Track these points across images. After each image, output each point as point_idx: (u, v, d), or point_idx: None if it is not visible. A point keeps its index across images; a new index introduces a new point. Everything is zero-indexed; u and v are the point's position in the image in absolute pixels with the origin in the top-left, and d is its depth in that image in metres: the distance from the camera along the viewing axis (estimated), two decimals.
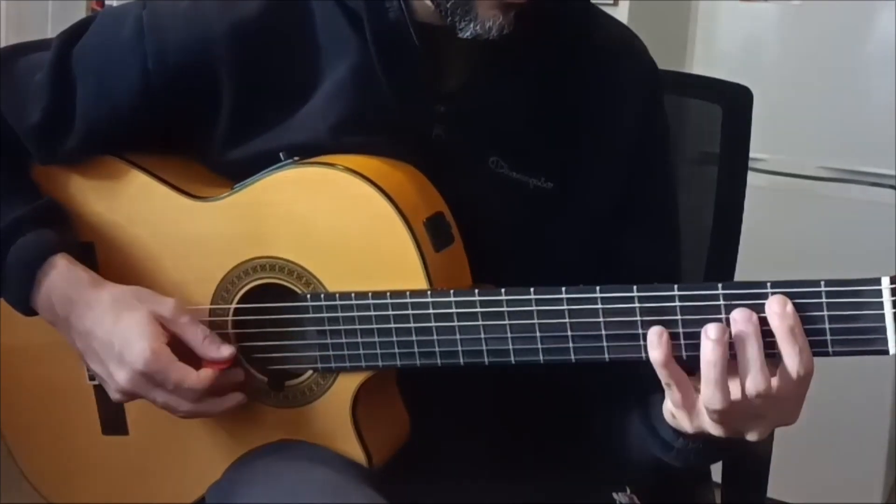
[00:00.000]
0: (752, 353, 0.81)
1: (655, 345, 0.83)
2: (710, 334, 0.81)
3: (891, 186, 2.45)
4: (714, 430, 0.86)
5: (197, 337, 0.97)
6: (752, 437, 0.87)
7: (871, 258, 2.32)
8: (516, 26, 0.94)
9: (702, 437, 0.89)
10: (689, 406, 0.86)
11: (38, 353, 1.11)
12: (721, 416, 0.84)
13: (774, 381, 0.81)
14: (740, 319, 0.81)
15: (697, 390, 0.85)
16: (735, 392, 0.82)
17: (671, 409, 0.89)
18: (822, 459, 2.48)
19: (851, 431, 2.45)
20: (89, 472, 1.12)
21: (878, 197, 2.47)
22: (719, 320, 0.82)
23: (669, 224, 1.12)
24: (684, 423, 0.88)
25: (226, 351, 0.97)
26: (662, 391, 0.88)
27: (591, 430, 1.09)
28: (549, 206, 1.03)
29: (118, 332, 0.97)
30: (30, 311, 1.04)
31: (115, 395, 1.00)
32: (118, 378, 0.97)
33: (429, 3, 0.96)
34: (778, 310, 0.80)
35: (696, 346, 0.83)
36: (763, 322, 0.81)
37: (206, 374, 0.96)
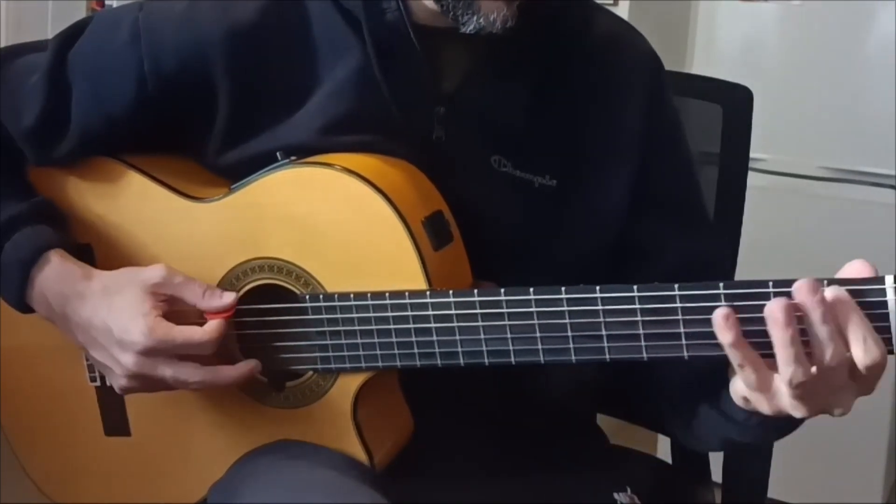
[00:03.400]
0: (820, 326, 0.78)
1: (723, 327, 0.79)
2: (777, 316, 0.77)
3: (891, 186, 2.45)
4: (796, 410, 0.82)
5: (196, 292, 0.97)
6: (837, 412, 0.83)
7: (872, 258, 2.30)
8: (517, 21, 0.94)
9: (780, 417, 0.85)
10: (765, 388, 0.82)
11: (40, 355, 1.11)
12: (804, 392, 0.80)
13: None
14: (805, 289, 0.78)
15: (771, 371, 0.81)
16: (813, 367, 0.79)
17: (744, 392, 0.85)
18: (822, 459, 2.48)
19: (851, 431, 2.44)
20: (92, 473, 1.12)
21: (878, 197, 2.47)
22: None
23: (697, 209, 1.10)
24: (761, 406, 0.84)
25: (227, 298, 0.97)
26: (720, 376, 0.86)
27: (665, 427, 1.08)
28: (555, 205, 1.02)
29: (113, 317, 0.97)
30: (25, 307, 1.03)
31: (121, 383, 0.98)
32: (124, 361, 0.96)
33: (428, 1, 0.96)
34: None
35: (700, 346, 0.82)
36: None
37: (212, 326, 0.95)
